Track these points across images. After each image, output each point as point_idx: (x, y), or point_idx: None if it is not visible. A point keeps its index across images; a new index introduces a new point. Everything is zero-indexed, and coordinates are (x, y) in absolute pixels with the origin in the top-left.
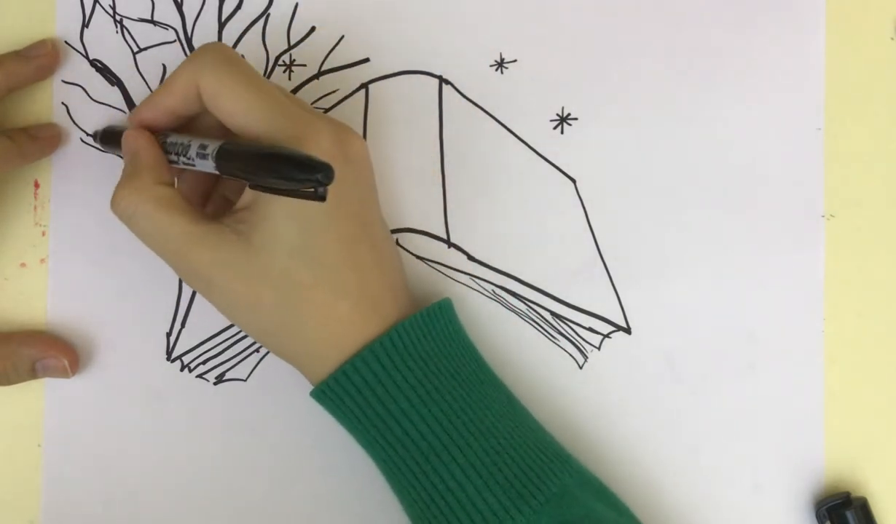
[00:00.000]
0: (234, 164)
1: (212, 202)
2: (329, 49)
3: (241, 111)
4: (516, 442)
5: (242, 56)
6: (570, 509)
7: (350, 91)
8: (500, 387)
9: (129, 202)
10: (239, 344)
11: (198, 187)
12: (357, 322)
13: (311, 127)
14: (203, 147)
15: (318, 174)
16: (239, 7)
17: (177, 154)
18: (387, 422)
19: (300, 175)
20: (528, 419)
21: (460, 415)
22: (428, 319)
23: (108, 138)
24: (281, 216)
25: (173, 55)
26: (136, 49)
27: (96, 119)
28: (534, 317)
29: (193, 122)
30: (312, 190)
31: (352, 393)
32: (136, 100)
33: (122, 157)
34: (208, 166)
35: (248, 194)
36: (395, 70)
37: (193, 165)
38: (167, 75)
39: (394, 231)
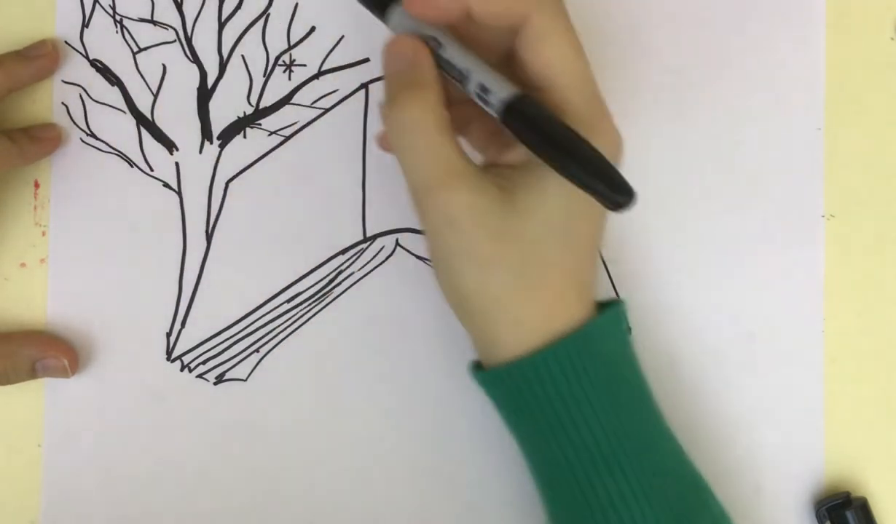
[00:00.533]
0: (533, 126)
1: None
2: (329, 49)
3: (561, 66)
4: (675, 465)
5: None
6: None
7: (350, 91)
8: (655, 402)
9: (412, 113)
10: (239, 344)
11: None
12: (575, 314)
13: (606, 118)
14: (501, 79)
15: (621, 197)
16: (239, 7)
17: (460, 60)
18: (563, 425)
19: (602, 188)
20: (677, 442)
21: (636, 431)
22: (612, 321)
23: None
24: (554, 191)
25: (173, 55)
26: (136, 49)
27: (96, 119)
28: None
29: (464, 28)
30: (610, 202)
31: (544, 381)
32: (137, 100)
33: (373, 13)
34: (491, 95)
35: (523, 153)
36: None
37: (460, 82)
38: None
39: (394, 231)
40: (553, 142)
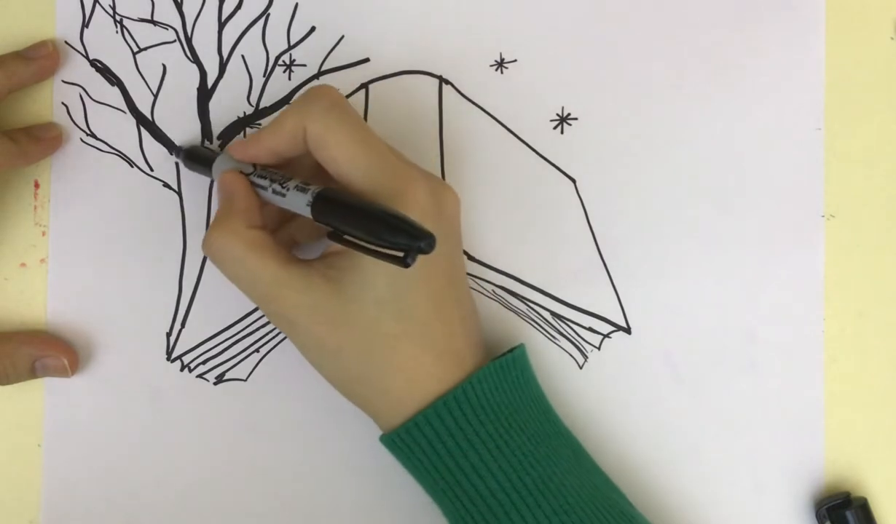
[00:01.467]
0: (334, 211)
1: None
2: (329, 49)
3: (345, 160)
4: (583, 501)
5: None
6: None
7: (350, 91)
8: (567, 438)
9: (221, 244)
10: (239, 344)
11: (268, 222)
12: (439, 374)
13: (411, 182)
14: (305, 184)
15: (421, 242)
16: (239, 7)
17: (271, 180)
18: (456, 476)
19: (402, 240)
20: (594, 473)
21: (529, 472)
22: (501, 371)
23: (194, 158)
24: (372, 266)
25: (173, 55)
26: (136, 49)
27: (96, 119)
28: (534, 317)
29: (290, 162)
30: (401, 255)
31: (422, 444)
32: (136, 100)
33: (202, 174)
34: (300, 203)
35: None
36: (395, 70)
37: (283, 195)
38: (276, 116)
39: None
40: (348, 216)
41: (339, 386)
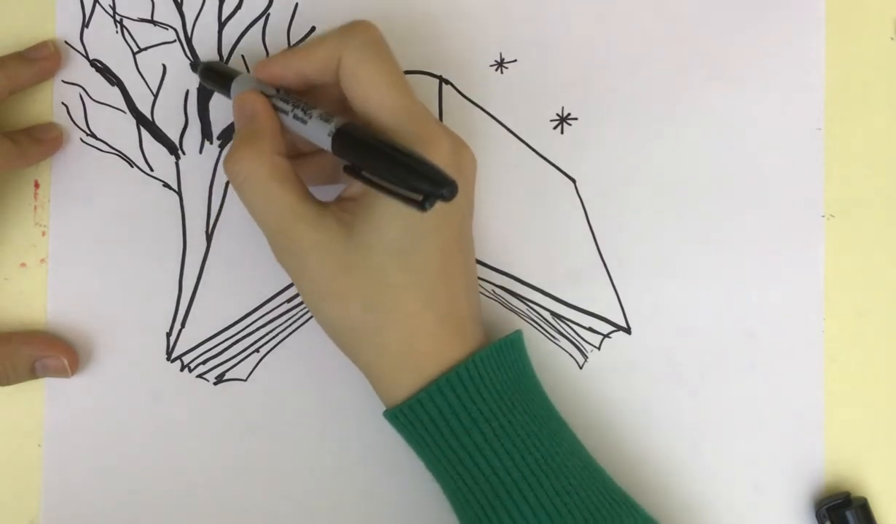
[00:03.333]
0: (357, 146)
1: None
2: None
3: (375, 98)
4: (584, 482)
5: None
6: None
7: None
8: (565, 425)
9: (245, 166)
10: (239, 344)
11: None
12: (440, 339)
13: (436, 133)
14: (328, 114)
15: (444, 189)
16: (239, 7)
17: (294, 105)
18: (458, 455)
19: (424, 185)
20: (591, 459)
21: (532, 452)
22: (504, 351)
23: (212, 75)
24: (387, 213)
25: (173, 55)
26: (136, 49)
27: (96, 119)
28: (534, 317)
29: (311, 91)
30: (419, 199)
31: (424, 421)
32: (136, 100)
33: (218, 91)
34: (321, 133)
35: (357, 185)
36: None
37: (305, 122)
38: (309, 41)
39: None
40: (375, 154)
41: (338, 335)
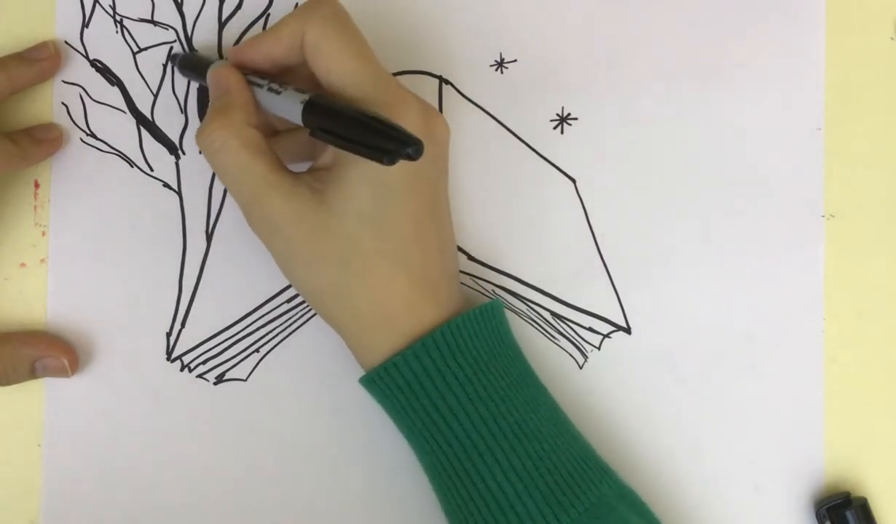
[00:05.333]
0: (326, 115)
1: None
2: None
3: (340, 69)
4: (559, 447)
5: None
6: (607, 520)
7: None
8: (546, 392)
9: (218, 136)
10: (239, 344)
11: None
12: (413, 302)
13: (403, 100)
14: (300, 90)
15: (409, 148)
16: (239, 7)
17: (269, 81)
18: (433, 417)
19: (391, 146)
20: (570, 426)
21: (506, 417)
22: (481, 317)
23: (189, 64)
24: (358, 180)
25: None
26: (136, 49)
27: (96, 119)
28: (534, 317)
29: (285, 72)
30: (385, 157)
31: (401, 384)
32: (136, 100)
33: (196, 81)
34: (293, 105)
35: (329, 155)
36: (395, 70)
37: (279, 93)
38: (276, 23)
39: None
40: (339, 120)
41: (312, 297)
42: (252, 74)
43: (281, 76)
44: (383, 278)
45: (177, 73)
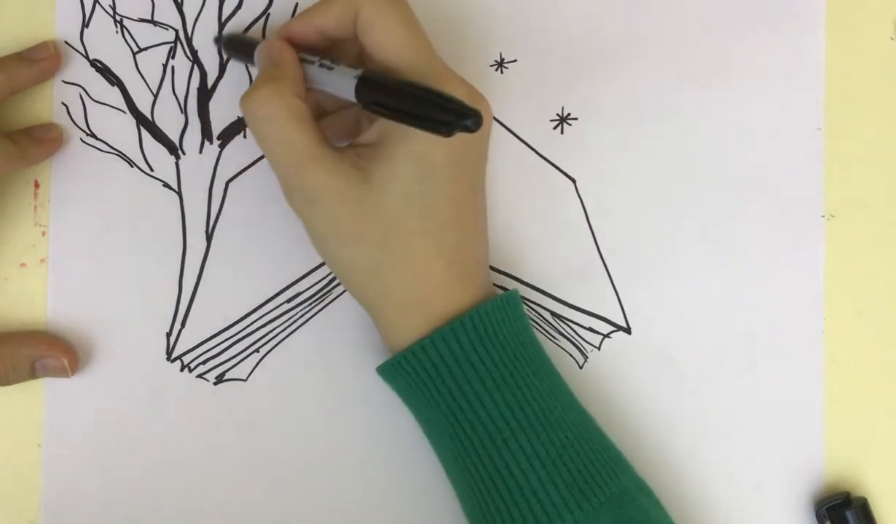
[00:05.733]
0: (380, 90)
1: None
2: None
3: (393, 46)
4: (582, 437)
5: None
6: (628, 510)
7: None
8: (564, 382)
9: (265, 103)
10: (239, 344)
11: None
12: (447, 285)
13: (451, 82)
14: (353, 66)
15: (468, 120)
16: (239, 7)
17: (320, 58)
18: (458, 402)
19: (450, 118)
20: (590, 416)
21: (531, 404)
22: (508, 304)
23: (235, 45)
24: (403, 159)
25: (173, 55)
26: (136, 49)
27: (96, 119)
28: (534, 317)
29: (333, 48)
30: (444, 128)
31: (427, 367)
32: (136, 100)
33: (243, 62)
34: (346, 80)
35: (374, 132)
36: None
37: (331, 68)
38: None
39: None
40: (395, 92)
41: (346, 275)
42: (302, 52)
43: (328, 51)
44: (421, 259)
45: (177, 73)
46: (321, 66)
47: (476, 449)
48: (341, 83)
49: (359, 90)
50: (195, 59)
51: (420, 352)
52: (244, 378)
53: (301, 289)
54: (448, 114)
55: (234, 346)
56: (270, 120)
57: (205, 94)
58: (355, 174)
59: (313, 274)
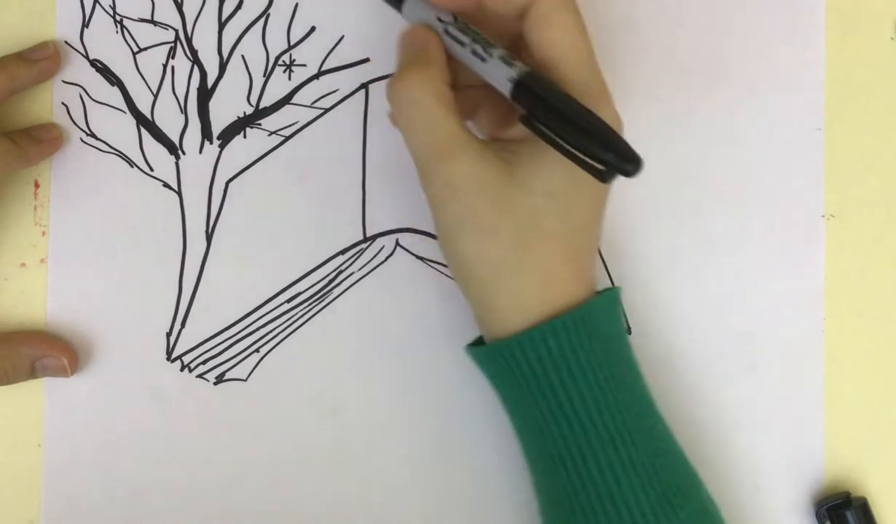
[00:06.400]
0: (542, 101)
1: None
2: (329, 49)
3: (564, 46)
4: (671, 448)
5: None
6: None
7: (350, 91)
8: (649, 388)
9: (416, 88)
10: (239, 344)
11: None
12: (567, 283)
13: (606, 92)
14: (511, 56)
15: (629, 165)
16: (239, 7)
17: (473, 40)
18: (559, 399)
19: (609, 158)
20: (669, 427)
21: (630, 408)
22: (615, 303)
23: None
24: (553, 160)
25: (173, 55)
26: (136, 49)
27: (96, 119)
28: None
29: (483, 20)
30: (599, 167)
31: (532, 360)
32: (136, 100)
33: (394, 8)
34: (500, 76)
35: (522, 128)
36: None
37: (484, 60)
38: None
39: (394, 231)
40: (562, 115)
41: (468, 268)
42: (455, 25)
43: (476, 21)
44: (551, 261)
45: (177, 73)
46: (473, 53)
47: (570, 449)
48: (494, 75)
49: (516, 93)
50: (195, 59)
51: (526, 343)
52: (244, 378)
53: (301, 289)
54: (609, 152)
55: (234, 346)
56: (418, 103)
57: (205, 94)
58: (500, 166)
59: (313, 274)
